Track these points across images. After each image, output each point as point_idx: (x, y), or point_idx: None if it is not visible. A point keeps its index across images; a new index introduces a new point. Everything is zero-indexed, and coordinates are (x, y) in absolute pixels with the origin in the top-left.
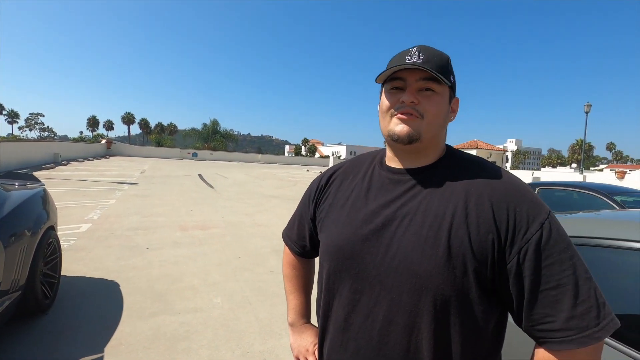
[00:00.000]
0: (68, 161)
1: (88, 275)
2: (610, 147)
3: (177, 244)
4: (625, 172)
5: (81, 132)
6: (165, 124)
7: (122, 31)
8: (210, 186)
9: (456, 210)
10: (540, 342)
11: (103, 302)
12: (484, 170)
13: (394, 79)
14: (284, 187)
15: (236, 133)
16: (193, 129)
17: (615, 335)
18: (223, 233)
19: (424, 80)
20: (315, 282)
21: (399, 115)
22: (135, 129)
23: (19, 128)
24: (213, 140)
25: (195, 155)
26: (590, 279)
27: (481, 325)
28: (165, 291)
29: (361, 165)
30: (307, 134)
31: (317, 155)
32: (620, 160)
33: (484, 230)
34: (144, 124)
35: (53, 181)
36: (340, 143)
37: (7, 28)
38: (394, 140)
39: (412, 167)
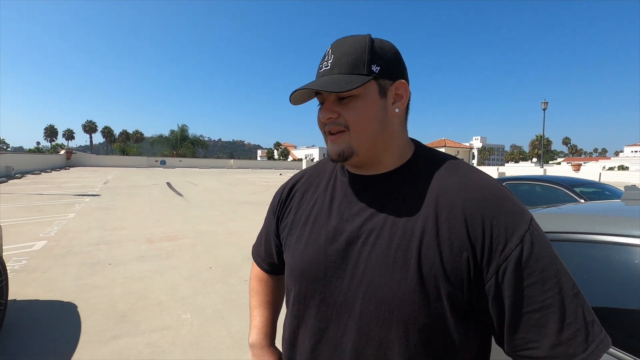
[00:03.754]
0: (22, 174)
1: (41, 299)
2: (566, 141)
3: (143, 257)
4: (580, 165)
5: (38, 143)
6: (131, 132)
7: (80, 35)
8: (180, 195)
9: (426, 225)
10: None
11: (58, 327)
12: (455, 173)
13: (317, 94)
14: (257, 192)
15: (206, 139)
16: (161, 136)
17: None
18: (193, 243)
19: (333, 91)
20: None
21: (329, 135)
22: (98, 138)
23: None
24: (182, 146)
25: (163, 163)
26: (577, 296)
27: (460, 353)
28: (129, 310)
29: (323, 173)
30: (279, 137)
31: (290, 158)
32: (575, 153)
33: (457, 249)
34: (107, 132)
35: (3, 196)
36: (312, 145)
37: None
38: (332, 161)
39: (375, 174)
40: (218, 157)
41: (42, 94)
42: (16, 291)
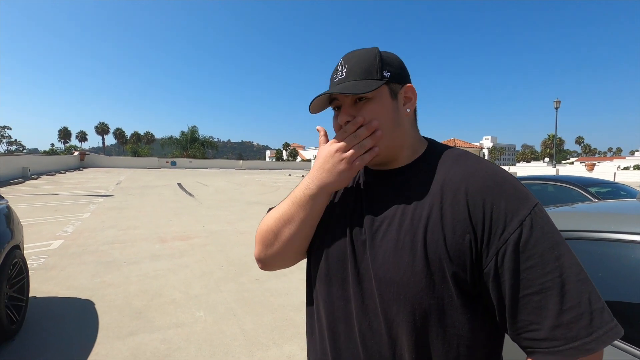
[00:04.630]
0: (38, 175)
1: (60, 295)
2: (579, 140)
3: (157, 256)
4: (594, 164)
5: (52, 145)
6: (142, 133)
7: (91, 40)
8: (191, 195)
9: (432, 210)
10: (528, 353)
11: (76, 323)
12: (462, 162)
13: (333, 100)
14: (266, 192)
15: (216, 140)
16: (171, 137)
17: None
18: (204, 243)
19: (354, 94)
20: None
21: None
22: (111, 139)
23: None
24: (192, 147)
25: (174, 163)
26: (584, 282)
27: (467, 335)
28: (145, 307)
29: None
30: (287, 138)
31: (298, 159)
32: (589, 153)
33: (460, 232)
34: (119, 133)
35: (22, 197)
36: None
37: None
38: None
39: (391, 169)
40: (227, 158)
41: (55, 96)
42: (36, 288)
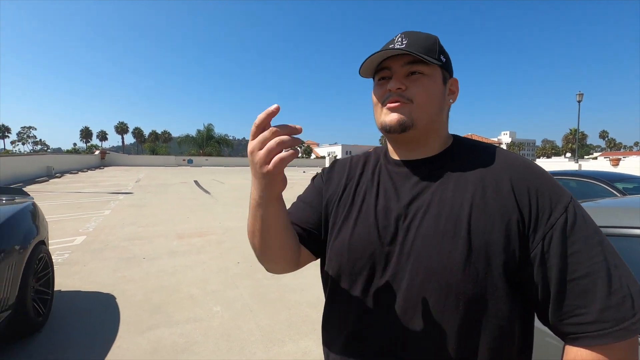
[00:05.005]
0: (62, 173)
1: (83, 290)
2: (603, 135)
3: (175, 252)
4: (619, 159)
5: (74, 144)
6: (159, 132)
7: (110, 40)
8: (207, 192)
9: (474, 198)
10: (570, 339)
11: (99, 317)
12: (499, 154)
13: (381, 70)
14: None
15: (231, 138)
16: (187, 136)
17: None
18: (221, 240)
19: (410, 64)
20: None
21: (388, 105)
22: (129, 138)
23: (11, 142)
24: (208, 145)
25: (190, 161)
26: (622, 266)
27: (507, 325)
28: (164, 302)
29: (366, 160)
30: (301, 135)
31: (312, 156)
32: (613, 147)
33: (507, 218)
34: (137, 132)
35: (46, 194)
36: (335, 143)
37: None
38: (387, 131)
39: (418, 158)
40: (243, 156)
41: (77, 97)
42: (60, 282)
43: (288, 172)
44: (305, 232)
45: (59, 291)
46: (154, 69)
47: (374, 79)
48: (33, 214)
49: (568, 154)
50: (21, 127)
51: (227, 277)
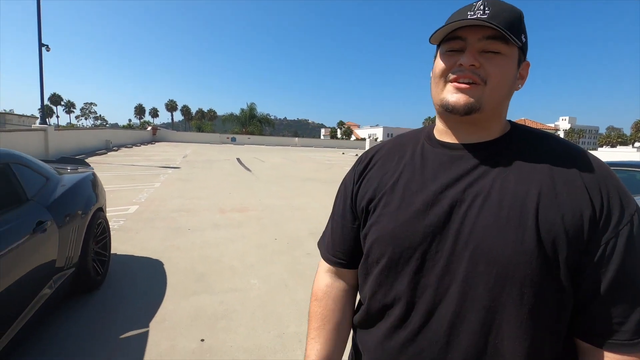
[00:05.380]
0: (118, 147)
1: (135, 254)
2: None
3: (217, 226)
4: None
5: (129, 120)
6: (206, 110)
7: (163, 22)
8: (248, 170)
9: (542, 189)
10: (598, 344)
11: (148, 280)
12: (565, 147)
13: (452, 39)
14: (320, 170)
15: (272, 117)
16: (231, 114)
17: None
18: (260, 216)
19: (489, 40)
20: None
21: (455, 84)
22: (178, 116)
23: (76, 117)
24: (250, 124)
25: (234, 139)
26: None
27: (559, 325)
28: (206, 271)
29: (406, 144)
30: (342, 116)
31: (353, 137)
32: None
33: (579, 213)
34: (185, 110)
35: (105, 166)
36: (376, 125)
37: (60, 26)
38: (448, 111)
39: (475, 142)
40: (283, 135)
41: (132, 75)
42: (116, 247)
43: (328, 152)
44: (349, 258)
45: (115, 254)
46: (204, 49)
47: (439, 46)
48: (93, 183)
49: (637, 144)
50: (84, 103)
51: (265, 252)
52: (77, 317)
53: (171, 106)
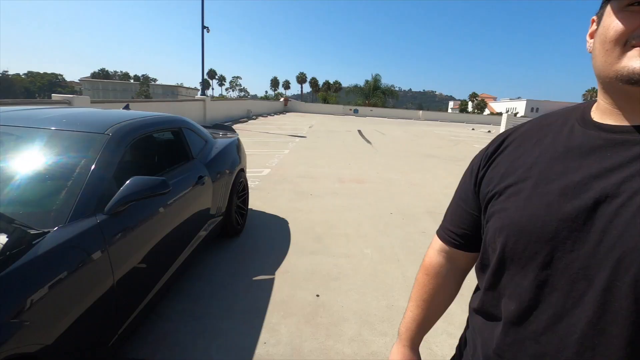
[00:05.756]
0: (257, 116)
1: (267, 212)
2: None
3: (336, 193)
4: None
5: (266, 92)
6: (331, 82)
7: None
8: (368, 142)
9: None
10: None
11: (276, 234)
12: None
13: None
14: (444, 146)
15: (397, 89)
16: (356, 86)
17: None
18: (377, 189)
19: None
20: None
21: None
22: (307, 87)
23: (225, 89)
24: (374, 96)
25: (356, 111)
26: None
27: None
28: (323, 234)
29: (550, 125)
30: (476, 87)
31: (486, 111)
32: None
33: None
34: (313, 82)
35: (246, 132)
36: (518, 98)
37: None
38: (630, 83)
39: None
40: (407, 108)
41: (268, 49)
42: (252, 203)
43: (455, 127)
44: (464, 240)
45: (251, 209)
46: (330, 20)
47: (608, 2)
48: (237, 147)
49: None
50: (232, 77)
51: (380, 225)
52: (223, 256)
53: (301, 79)
